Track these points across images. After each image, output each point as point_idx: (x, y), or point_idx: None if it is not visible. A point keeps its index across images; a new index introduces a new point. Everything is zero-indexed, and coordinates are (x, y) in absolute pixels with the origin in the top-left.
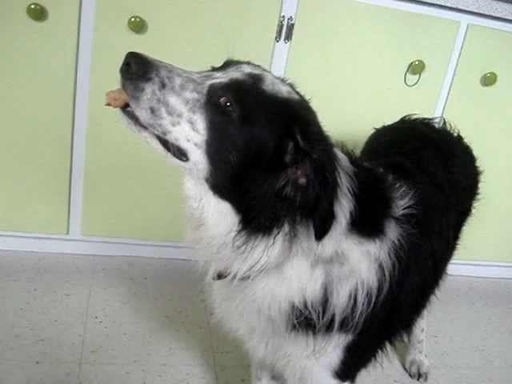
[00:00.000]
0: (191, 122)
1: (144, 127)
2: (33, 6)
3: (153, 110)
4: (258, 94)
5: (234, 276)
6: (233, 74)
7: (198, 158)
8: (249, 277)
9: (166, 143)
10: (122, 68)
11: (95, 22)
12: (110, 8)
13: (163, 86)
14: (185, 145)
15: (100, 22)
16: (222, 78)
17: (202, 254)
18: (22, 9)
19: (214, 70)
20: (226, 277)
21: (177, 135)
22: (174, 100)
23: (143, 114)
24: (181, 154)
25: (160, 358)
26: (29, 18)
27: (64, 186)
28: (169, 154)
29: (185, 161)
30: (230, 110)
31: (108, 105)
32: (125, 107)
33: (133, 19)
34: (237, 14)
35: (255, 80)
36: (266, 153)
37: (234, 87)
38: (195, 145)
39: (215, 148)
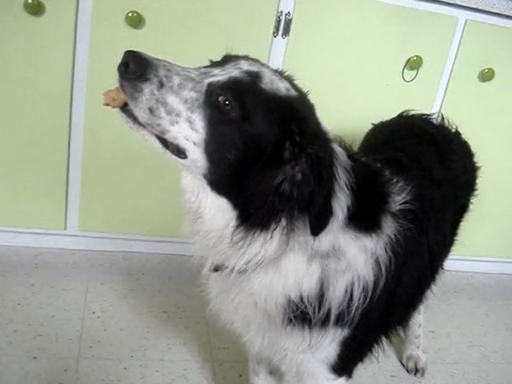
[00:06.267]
0: (190, 121)
1: (142, 126)
2: (30, 1)
3: (151, 110)
4: (257, 92)
5: (231, 269)
6: (231, 71)
7: (197, 156)
8: (246, 270)
9: (164, 141)
10: (119, 67)
11: (93, 17)
12: (108, 3)
13: (161, 85)
14: (183, 143)
15: (97, 17)
16: (220, 75)
17: (198, 247)
18: (19, 3)
19: (213, 65)
20: (223, 270)
21: (175, 134)
22: (172, 99)
23: (142, 114)
24: (179, 152)
25: (158, 354)
26: (26, 13)
27: (61, 181)
28: (167, 151)
29: (183, 158)
30: (228, 109)
31: (106, 105)
32: (123, 106)
33: (130, 14)
34: (234, 8)
35: (253, 78)
36: (265, 151)
37: (232, 86)
38: (194, 143)
39: (214, 147)
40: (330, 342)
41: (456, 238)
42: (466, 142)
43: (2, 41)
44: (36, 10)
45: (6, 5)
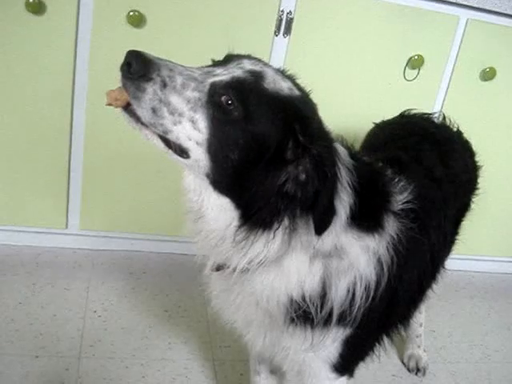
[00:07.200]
0: (192, 121)
1: (145, 125)
2: (31, 0)
3: (154, 110)
4: (259, 92)
5: (233, 269)
6: (234, 71)
7: (199, 155)
8: (248, 270)
9: (167, 141)
10: (122, 67)
11: (94, 16)
12: (109, 2)
13: (164, 85)
14: (186, 143)
15: (99, 16)
16: (222, 75)
17: (200, 246)
18: (21, 2)
19: (215, 64)
20: (224, 269)
21: (178, 134)
22: (175, 99)
23: (144, 114)
24: (182, 151)
25: (159, 353)
26: (27, 12)
27: (63, 180)
28: (170, 151)
29: (186, 158)
30: (231, 108)
31: (109, 104)
32: (126, 106)
33: (131, 13)
34: (236, 8)
35: (256, 78)
36: (268, 150)
37: (235, 86)
38: (196, 143)
39: (216, 146)
40: (331, 342)
41: (457, 237)
42: (467, 142)
43: (3, 40)
44: (37, 9)
45: (7, 4)
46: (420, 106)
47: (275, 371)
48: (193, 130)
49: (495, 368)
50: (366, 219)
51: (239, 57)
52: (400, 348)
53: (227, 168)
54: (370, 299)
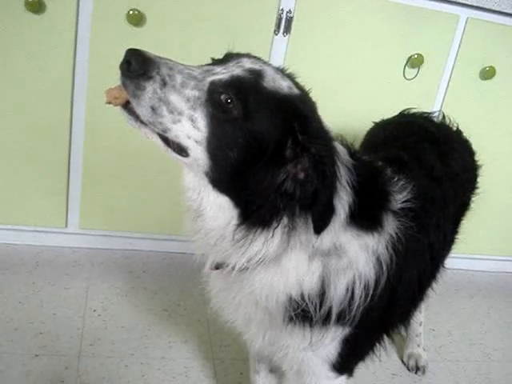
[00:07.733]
0: (192, 120)
1: (144, 124)
2: None
3: (153, 109)
4: (259, 91)
5: (232, 268)
6: (233, 69)
7: (199, 154)
8: (247, 268)
9: (166, 139)
10: (122, 65)
11: (93, 15)
12: (109, 1)
13: (164, 84)
14: (185, 142)
15: (98, 15)
16: (222, 73)
17: (199, 245)
18: (21, 2)
19: (215, 63)
20: (224, 268)
21: (177, 133)
22: (174, 98)
23: (144, 113)
24: (181, 150)
25: (159, 351)
26: (27, 11)
27: (62, 179)
28: (169, 149)
29: (185, 156)
30: (230, 107)
31: (108, 103)
32: (125, 104)
33: (131, 12)
34: (236, 6)
35: (256, 76)
36: (267, 149)
37: (234, 84)
38: (196, 142)
39: (216, 145)
40: (330, 341)
41: (457, 236)
42: (466, 141)
43: (3, 39)
44: (37, 8)
45: (7, 3)
46: (420, 105)
47: (275, 370)
48: (192, 128)
49: (495, 367)
50: (365, 218)
51: (239, 55)
52: (400, 347)
53: (226, 166)
54: (369, 298)
